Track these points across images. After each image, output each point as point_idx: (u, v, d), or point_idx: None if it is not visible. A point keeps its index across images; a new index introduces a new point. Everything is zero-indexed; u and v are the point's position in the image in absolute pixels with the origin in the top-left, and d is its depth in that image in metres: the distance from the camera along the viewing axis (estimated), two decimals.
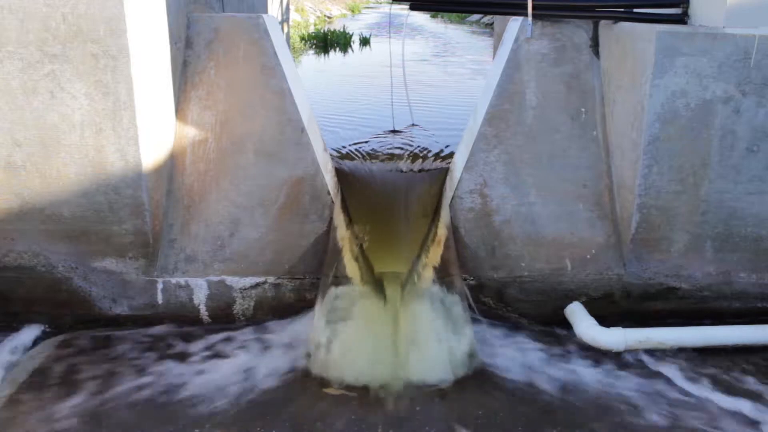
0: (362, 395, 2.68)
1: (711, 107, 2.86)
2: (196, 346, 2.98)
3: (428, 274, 3.07)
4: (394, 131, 4.29)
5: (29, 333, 3.08)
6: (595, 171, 3.23)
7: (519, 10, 3.24)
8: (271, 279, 3.14)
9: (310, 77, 7.07)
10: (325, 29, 12.32)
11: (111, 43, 2.68)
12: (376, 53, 9.88)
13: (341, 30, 11.69)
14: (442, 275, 3.07)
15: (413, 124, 4.45)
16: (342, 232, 3.15)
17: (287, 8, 7.93)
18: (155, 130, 2.98)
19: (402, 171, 3.38)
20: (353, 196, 3.29)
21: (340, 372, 2.77)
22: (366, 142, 3.98)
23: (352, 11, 23.84)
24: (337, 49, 10.61)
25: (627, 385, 2.76)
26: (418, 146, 3.85)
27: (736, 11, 2.83)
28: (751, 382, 2.78)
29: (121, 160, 2.84)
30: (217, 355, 2.92)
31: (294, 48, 10.06)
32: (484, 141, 3.24)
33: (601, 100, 3.27)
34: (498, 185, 3.22)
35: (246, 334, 3.08)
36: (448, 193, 3.25)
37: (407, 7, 3.62)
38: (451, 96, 5.70)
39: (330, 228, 3.16)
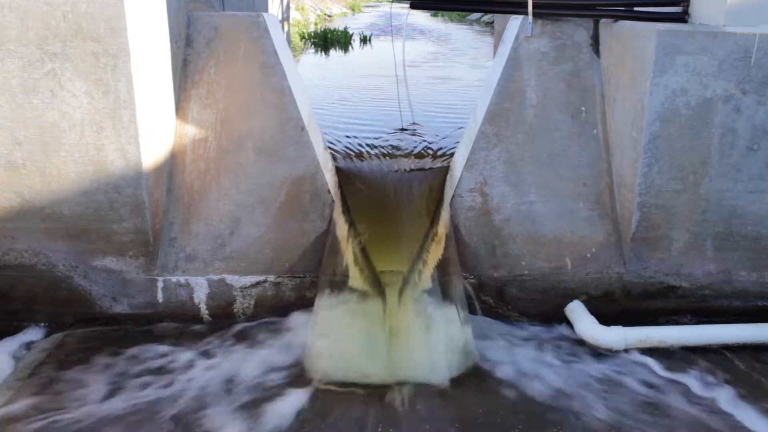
0: (361, 393, 2.68)
1: (711, 106, 2.85)
2: (195, 345, 2.98)
3: (428, 272, 3.07)
4: (402, 129, 4.30)
5: (30, 331, 3.09)
6: (596, 169, 3.23)
7: (519, 8, 3.24)
8: (271, 277, 3.14)
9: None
10: (325, 28, 12.32)
11: (111, 41, 2.68)
12: (377, 52, 9.87)
13: (342, 29, 11.69)
14: (442, 274, 3.07)
15: (414, 123, 4.45)
16: (342, 231, 3.15)
17: (287, 7, 7.93)
18: (155, 129, 2.98)
19: (402, 170, 3.39)
20: (353, 195, 3.29)
21: (340, 370, 2.77)
22: (374, 139, 3.98)
23: (353, 10, 23.82)
24: (338, 48, 10.60)
25: (627, 383, 2.76)
26: (422, 144, 3.86)
27: (736, 10, 2.83)
28: (751, 381, 2.78)
29: (121, 158, 2.84)
30: (217, 354, 2.92)
31: (294, 47, 10.06)
32: (485, 139, 3.24)
33: (601, 98, 3.27)
34: (498, 184, 3.22)
35: (246, 332, 3.08)
36: (449, 192, 3.25)
37: (408, 5, 3.61)
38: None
39: (330, 227, 3.16)
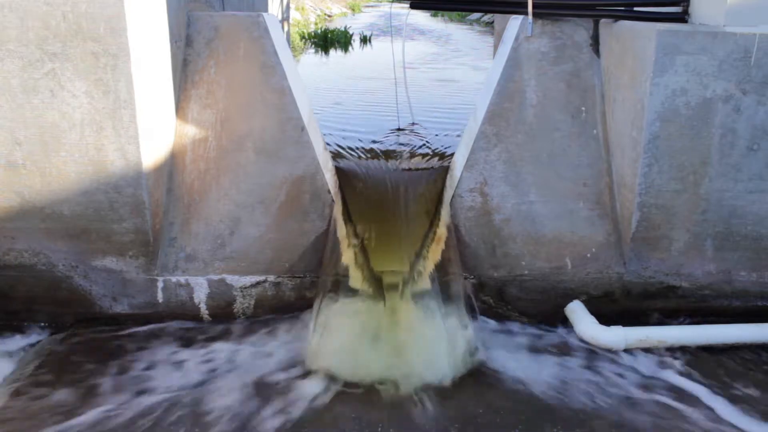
0: (362, 393, 2.68)
1: (711, 106, 2.85)
2: (195, 345, 2.98)
3: (428, 272, 3.07)
4: (399, 129, 4.31)
5: (30, 331, 3.09)
6: (596, 169, 3.23)
7: (519, 8, 3.24)
8: (271, 277, 3.14)
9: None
10: (325, 28, 12.31)
11: (111, 41, 2.68)
12: (377, 52, 9.87)
13: (342, 29, 11.69)
14: (442, 274, 3.07)
15: (413, 123, 4.46)
16: (342, 231, 3.15)
17: (287, 7, 7.93)
18: (155, 129, 2.98)
19: (402, 169, 3.39)
20: (353, 195, 3.29)
21: (340, 370, 2.78)
22: (374, 140, 3.98)
23: (353, 10, 23.83)
24: (338, 48, 10.60)
25: (627, 383, 2.76)
26: (421, 144, 3.86)
27: (736, 10, 2.83)
28: (750, 381, 2.78)
29: (121, 158, 2.84)
30: (217, 354, 2.92)
31: (294, 47, 10.06)
32: (485, 139, 3.24)
33: (601, 98, 3.27)
34: (498, 184, 3.22)
35: (246, 333, 3.08)
36: (449, 192, 3.25)
37: (408, 5, 3.61)
38: None
39: (330, 226, 3.16)
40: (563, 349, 3.00)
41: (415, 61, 8.12)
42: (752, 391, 2.71)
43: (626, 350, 2.95)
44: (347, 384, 2.73)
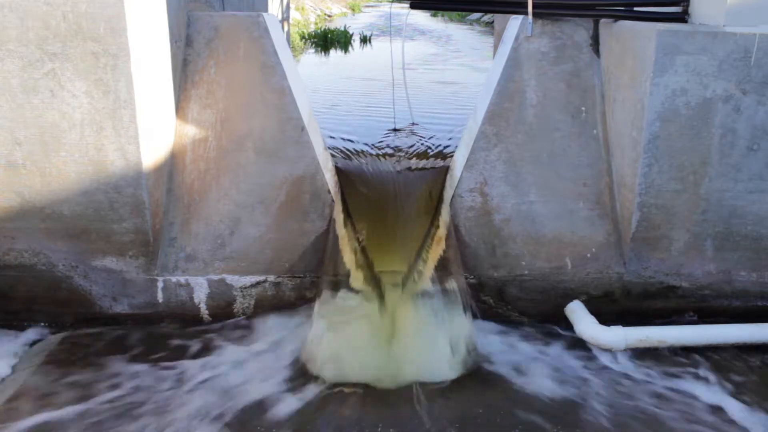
0: (362, 394, 2.68)
1: (711, 106, 2.85)
2: (195, 345, 2.98)
3: (428, 272, 3.07)
4: (395, 130, 4.30)
5: (30, 331, 3.09)
6: (596, 169, 3.23)
7: (519, 8, 3.24)
8: (271, 277, 3.15)
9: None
10: (325, 28, 12.31)
11: (111, 41, 2.68)
12: (377, 51, 9.87)
13: (342, 29, 11.69)
14: (442, 274, 3.07)
15: (413, 123, 4.46)
16: (342, 231, 3.16)
17: (287, 7, 7.93)
18: (155, 129, 2.98)
19: (402, 169, 3.39)
20: (353, 195, 3.29)
21: (340, 370, 2.78)
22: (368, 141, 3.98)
23: (353, 10, 23.83)
24: (338, 48, 10.61)
25: (627, 383, 2.76)
26: (420, 145, 3.86)
27: (736, 10, 2.83)
28: (750, 381, 2.78)
29: (121, 158, 2.84)
30: (217, 354, 2.92)
31: (294, 47, 10.06)
32: (485, 139, 3.24)
33: (601, 98, 3.27)
34: (498, 184, 3.22)
35: (246, 333, 3.08)
36: (449, 192, 3.25)
37: (408, 5, 3.61)
38: None
39: (330, 226, 3.16)
40: (563, 350, 3.00)
41: (414, 61, 8.11)
42: (753, 391, 2.71)
43: (626, 350, 2.95)
44: (347, 384, 2.72)
